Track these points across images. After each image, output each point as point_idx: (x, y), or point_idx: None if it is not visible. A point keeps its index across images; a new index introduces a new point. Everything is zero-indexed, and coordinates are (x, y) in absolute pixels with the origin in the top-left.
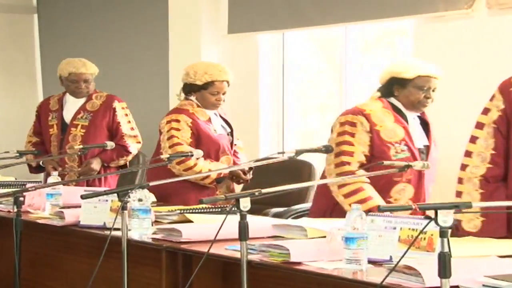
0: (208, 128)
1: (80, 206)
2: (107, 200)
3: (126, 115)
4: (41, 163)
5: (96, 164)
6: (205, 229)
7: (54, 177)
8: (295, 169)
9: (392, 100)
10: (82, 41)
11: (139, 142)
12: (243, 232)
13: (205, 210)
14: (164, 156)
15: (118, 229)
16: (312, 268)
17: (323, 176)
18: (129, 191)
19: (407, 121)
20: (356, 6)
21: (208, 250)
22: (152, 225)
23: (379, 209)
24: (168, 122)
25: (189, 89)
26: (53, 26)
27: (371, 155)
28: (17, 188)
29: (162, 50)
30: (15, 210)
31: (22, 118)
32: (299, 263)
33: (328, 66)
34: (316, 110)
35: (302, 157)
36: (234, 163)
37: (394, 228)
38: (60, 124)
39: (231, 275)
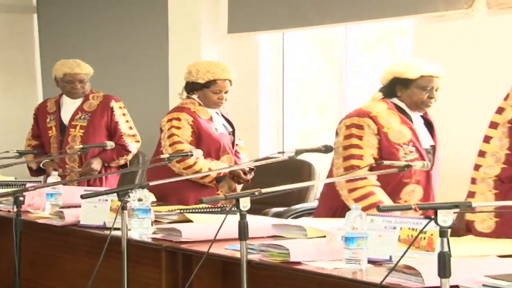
0: (209, 127)
1: (80, 206)
2: (107, 200)
3: (124, 114)
4: (41, 165)
5: (96, 164)
6: (205, 229)
7: (54, 177)
8: (295, 169)
9: (395, 100)
10: (81, 41)
11: (138, 141)
12: (243, 231)
13: (205, 210)
14: (164, 155)
15: (118, 229)
16: (311, 268)
17: (330, 176)
18: (129, 191)
19: (412, 122)
20: (356, 6)
21: (208, 250)
22: (152, 224)
23: (378, 209)
24: (169, 120)
25: (191, 87)
26: (53, 26)
27: (379, 157)
28: (17, 188)
29: (162, 50)
30: (15, 209)
31: (21, 118)
32: (298, 263)
33: (328, 66)
34: (316, 110)
35: (302, 157)
36: (235, 163)
37: (394, 228)
38: (59, 125)
39: (231, 274)
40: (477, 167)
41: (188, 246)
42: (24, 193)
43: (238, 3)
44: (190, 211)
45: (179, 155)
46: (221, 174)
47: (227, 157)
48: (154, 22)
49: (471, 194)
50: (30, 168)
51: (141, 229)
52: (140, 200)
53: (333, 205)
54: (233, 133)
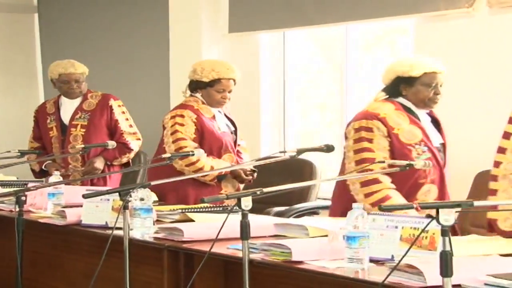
0: (212, 125)
1: (82, 206)
2: (108, 200)
3: (123, 112)
4: (43, 167)
5: (99, 163)
6: (206, 228)
7: (56, 177)
8: (296, 168)
9: (401, 100)
10: (82, 41)
11: (139, 139)
12: (245, 231)
13: (206, 209)
14: (166, 155)
15: (120, 228)
16: (313, 267)
17: (342, 173)
18: (131, 190)
19: (419, 121)
20: (356, 5)
21: (210, 249)
22: (154, 224)
23: (380, 208)
24: (173, 117)
25: (195, 86)
26: (54, 26)
27: (392, 160)
28: (19, 187)
29: (163, 50)
30: (17, 209)
31: (22, 118)
32: (300, 262)
33: (329, 65)
34: (317, 109)
35: (303, 156)
36: (237, 163)
37: (396, 227)
38: (59, 125)
39: (233, 274)
40: (497, 164)
41: (190, 246)
42: (26, 193)
43: (239, 2)
44: (192, 210)
45: (181, 154)
46: (223, 173)
47: (228, 155)
48: (155, 22)
49: (493, 192)
50: (33, 170)
51: (143, 228)
52: (142, 199)
53: (348, 205)
54: (235, 132)
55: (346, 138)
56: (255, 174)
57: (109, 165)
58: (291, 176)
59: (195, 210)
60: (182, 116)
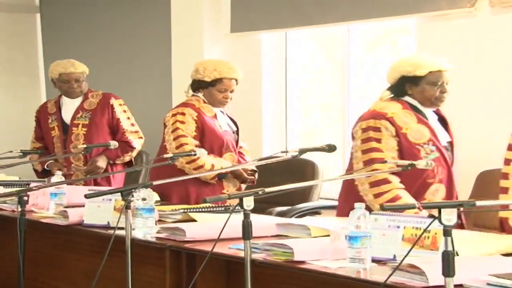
0: (213, 123)
1: (84, 206)
2: (110, 200)
3: (125, 111)
4: (45, 166)
5: (101, 162)
6: (208, 228)
7: (57, 177)
8: (298, 168)
9: (408, 99)
10: (84, 41)
11: (141, 138)
12: (247, 231)
13: (208, 209)
14: (168, 155)
15: (122, 228)
16: (315, 267)
17: (349, 173)
18: (133, 190)
19: (427, 119)
20: (358, 5)
21: (212, 249)
22: (156, 224)
23: (382, 208)
24: (173, 115)
25: (197, 85)
26: (56, 26)
27: (400, 159)
28: (21, 187)
29: (164, 50)
30: (19, 209)
31: (24, 118)
32: (302, 262)
33: (331, 65)
34: (319, 109)
35: (305, 156)
36: (239, 163)
37: (398, 227)
38: (61, 125)
39: (235, 274)
40: (508, 161)
41: (192, 246)
42: (28, 193)
43: (240, 2)
44: (194, 210)
45: (182, 154)
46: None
47: (229, 154)
48: (157, 22)
49: (504, 190)
50: (36, 171)
51: (145, 228)
52: (144, 199)
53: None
54: (237, 132)
55: (353, 138)
56: (256, 175)
57: (112, 164)
58: (293, 176)
59: (197, 210)
60: (183, 114)
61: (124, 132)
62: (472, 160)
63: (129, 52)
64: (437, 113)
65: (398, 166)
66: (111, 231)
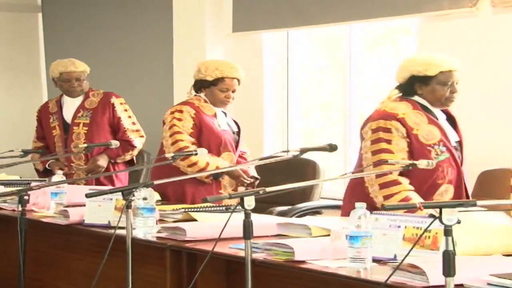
0: (211, 121)
1: (84, 205)
2: (111, 199)
3: (126, 110)
4: (47, 166)
5: (102, 161)
6: (209, 227)
7: (58, 176)
8: (299, 167)
9: (417, 98)
10: (86, 40)
11: (142, 136)
12: (248, 230)
13: (209, 209)
14: (169, 155)
15: (122, 228)
16: (316, 266)
17: (359, 170)
18: (134, 189)
19: (437, 119)
20: (359, 4)
21: (213, 248)
22: (157, 223)
23: (383, 208)
24: (172, 112)
25: (199, 85)
26: (58, 25)
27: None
28: (22, 186)
29: (166, 49)
30: (20, 208)
31: (25, 118)
32: (303, 262)
33: (332, 64)
34: (320, 108)
35: (306, 155)
36: (238, 163)
37: (399, 227)
38: (62, 124)
39: (236, 273)
40: None
41: (193, 245)
42: (29, 192)
43: (242, 2)
44: (195, 210)
45: (184, 153)
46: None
47: (227, 154)
48: (158, 21)
49: None
50: (37, 170)
51: (145, 228)
52: (145, 199)
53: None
54: (238, 133)
55: (362, 138)
56: (257, 182)
57: (113, 163)
58: (294, 175)
59: (198, 209)
60: (181, 111)
61: (125, 131)
62: (473, 160)
63: (131, 51)
64: (445, 112)
65: (399, 166)
66: (112, 231)
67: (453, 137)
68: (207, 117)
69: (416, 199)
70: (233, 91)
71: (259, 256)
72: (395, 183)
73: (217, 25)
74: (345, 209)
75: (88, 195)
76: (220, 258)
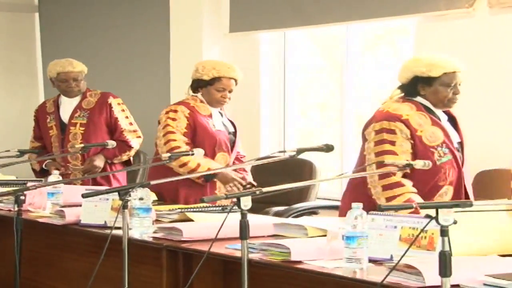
0: (206, 121)
1: (80, 205)
2: (107, 199)
3: (123, 110)
4: (43, 166)
5: (99, 161)
6: (205, 228)
7: (55, 176)
8: (296, 168)
9: (420, 99)
10: (83, 40)
11: (140, 137)
12: (244, 231)
13: (206, 209)
14: (165, 155)
15: (118, 228)
16: (312, 267)
17: (358, 171)
18: (130, 190)
19: (440, 120)
20: (357, 5)
21: (209, 249)
22: (153, 224)
23: (378, 208)
24: (166, 112)
25: (196, 85)
26: (55, 25)
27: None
28: (18, 186)
29: (163, 49)
30: (16, 208)
31: (23, 118)
32: (299, 262)
33: (329, 65)
34: (317, 109)
35: (303, 156)
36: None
37: (395, 227)
38: (59, 124)
39: (232, 274)
40: None
41: (189, 245)
42: (25, 192)
43: (239, 2)
44: (191, 210)
45: (180, 154)
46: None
47: (222, 154)
48: (155, 21)
49: None
50: (34, 170)
51: (142, 228)
52: (141, 199)
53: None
54: (234, 134)
55: (365, 139)
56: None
57: (110, 163)
58: (291, 175)
59: (194, 209)
60: (175, 111)
61: (122, 131)
62: (470, 160)
63: (128, 51)
64: (446, 112)
65: (396, 166)
66: (108, 231)
67: (454, 138)
68: (202, 117)
69: (419, 201)
70: (229, 91)
71: (256, 256)
72: (399, 185)
73: (214, 25)
74: (344, 209)
75: (84, 195)
76: (216, 258)
